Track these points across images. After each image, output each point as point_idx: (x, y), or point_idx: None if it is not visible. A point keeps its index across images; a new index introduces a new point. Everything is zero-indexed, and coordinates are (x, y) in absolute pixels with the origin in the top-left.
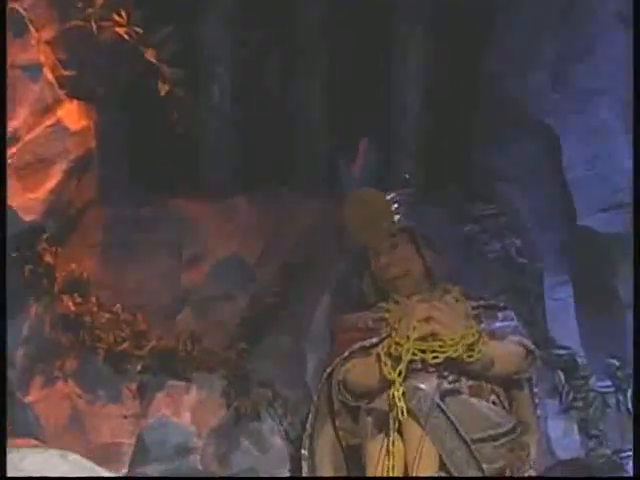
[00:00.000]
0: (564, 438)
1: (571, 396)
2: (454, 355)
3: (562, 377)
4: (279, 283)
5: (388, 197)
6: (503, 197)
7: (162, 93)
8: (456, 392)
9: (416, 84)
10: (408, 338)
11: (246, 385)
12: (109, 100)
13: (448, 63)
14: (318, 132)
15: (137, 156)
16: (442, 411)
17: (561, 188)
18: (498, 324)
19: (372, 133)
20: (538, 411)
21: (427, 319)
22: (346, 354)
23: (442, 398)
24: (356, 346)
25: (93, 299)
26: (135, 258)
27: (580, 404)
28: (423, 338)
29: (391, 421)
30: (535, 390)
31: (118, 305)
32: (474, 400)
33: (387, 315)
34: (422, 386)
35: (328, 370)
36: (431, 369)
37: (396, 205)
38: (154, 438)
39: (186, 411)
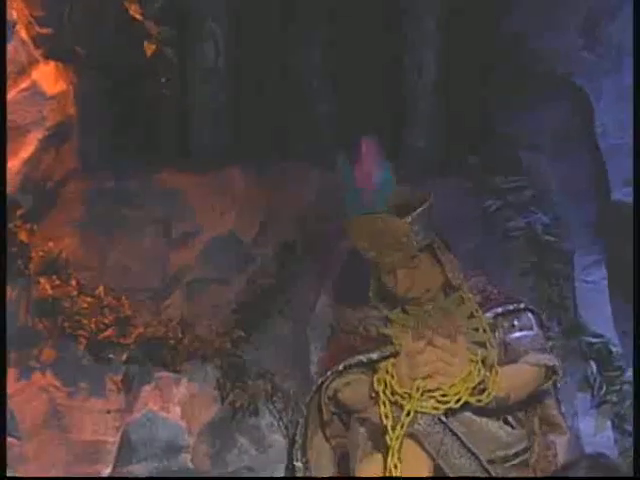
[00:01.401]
0: (596, 435)
1: (604, 389)
2: (455, 406)
3: (594, 368)
4: (279, 263)
5: (408, 220)
6: (528, 168)
7: (148, 53)
8: (460, 410)
9: (432, 43)
10: (410, 397)
11: (242, 377)
12: (89, 61)
13: (467, 18)
14: (322, 96)
15: (121, 123)
16: (446, 427)
17: (594, 157)
18: (515, 334)
19: (383, 98)
20: (563, 408)
21: (430, 375)
22: (341, 368)
23: (445, 416)
24: (353, 360)
25: (73, 282)
26: (119, 236)
27: (614, 398)
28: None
29: (391, 448)
30: (558, 386)
31: (100, 288)
32: (482, 419)
33: (391, 332)
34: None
35: (319, 382)
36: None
37: (416, 227)
38: (141, 435)
39: (176, 405)
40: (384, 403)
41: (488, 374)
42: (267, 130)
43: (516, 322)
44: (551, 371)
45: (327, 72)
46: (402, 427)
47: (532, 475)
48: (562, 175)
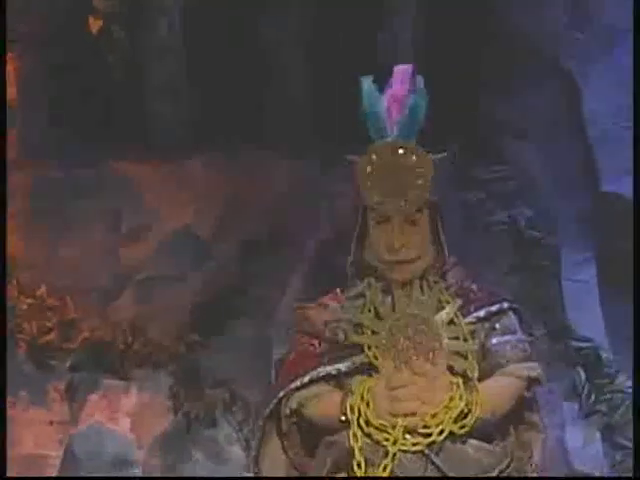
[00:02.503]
0: (584, 448)
1: (593, 398)
2: (438, 438)
3: (582, 375)
4: (240, 261)
5: (434, 158)
6: (512, 156)
7: (94, 30)
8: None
9: (410, 18)
10: (390, 434)
11: (198, 385)
12: (31, 40)
13: None
14: (295, 75)
15: (67, 108)
16: (428, 459)
17: (582, 145)
18: (495, 339)
19: (358, 79)
20: (540, 407)
21: (413, 414)
22: (306, 380)
23: (430, 445)
24: (321, 371)
25: (13, 281)
26: (65, 230)
27: (604, 407)
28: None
29: None
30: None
31: (43, 288)
32: (462, 445)
33: (362, 340)
34: (407, 436)
35: (280, 395)
36: None
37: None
38: (86, 449)
39: (125, 416)
40: (355, 436)
41: (470, 398)
42: (231, 114)
43: (497, 325)
44: (535, 381)
45: (300, 50)
46: (385, 469)
47: None
48: (548, 165)
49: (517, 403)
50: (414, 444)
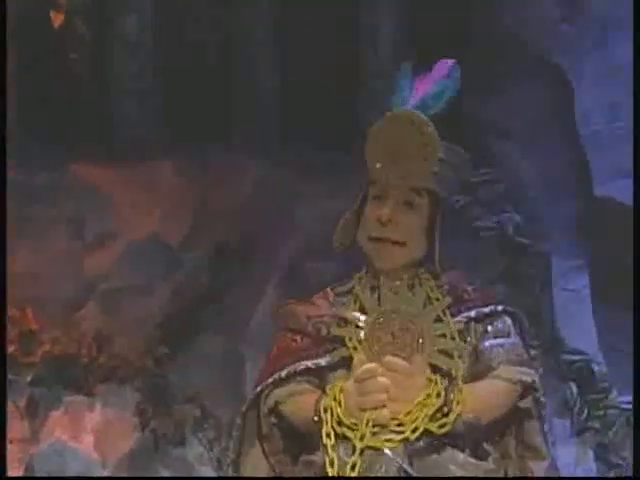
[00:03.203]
0: (576, 467)
1: (586, 414)
2: (412, 436)
3: (574, 390)
4: (211, 270)
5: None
6: (500, 158)
7: (56, 25)
8: (427, 451)
9: (391, 11)
10: (361, 437)
11: (167, 401)
12: None
13: None
14: (265, 74)
15: (27, 107)
16: (406, 472)
17: (574, 146)
18: (488, 342)
19: (335, 79)
20: (546, 428)
21: (383, 406)
22: (283, 374)
23: (410, 460)
24: (299, 366)
25: None
26: (25, 237)
27: (597, 424)
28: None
29: None
30: (542, 400)
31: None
32: (440, 457)
33: (344, 333)
34: (386, 451)
35: (258, 389)
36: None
37: (440, 155)
38: (47, 468)
39: (88, 434)
40: (328, 435)
41: (451, 395)
42: (199, 115)
43: (490, 328)
44: (529, 388)
45: (272, 50)
46: (354, 468)
47: None
48: (537, 167)
49: (511, 412)
50: (386, 441)
